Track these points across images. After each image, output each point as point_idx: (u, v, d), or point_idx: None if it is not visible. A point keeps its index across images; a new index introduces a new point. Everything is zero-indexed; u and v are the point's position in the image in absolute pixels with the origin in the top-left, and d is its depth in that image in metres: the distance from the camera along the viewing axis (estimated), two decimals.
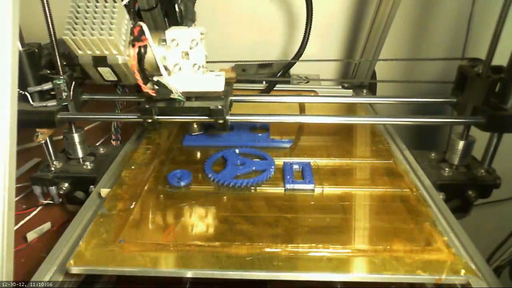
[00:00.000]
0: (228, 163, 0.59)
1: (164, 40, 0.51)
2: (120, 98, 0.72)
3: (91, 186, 0.57)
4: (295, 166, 0.59)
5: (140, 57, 0.50)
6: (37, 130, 0.56)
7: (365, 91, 0.92)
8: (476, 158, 0.62)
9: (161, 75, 0.51)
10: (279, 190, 0.55)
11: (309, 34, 0.82)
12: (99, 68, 0.51)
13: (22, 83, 0.54)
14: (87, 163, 0.60)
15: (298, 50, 0.84)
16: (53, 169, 0.59)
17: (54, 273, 0.42)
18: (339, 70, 1.10)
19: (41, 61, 0.56)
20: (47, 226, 0.60)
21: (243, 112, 0.58)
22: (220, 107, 0.52)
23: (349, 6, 1.00)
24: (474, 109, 0.56)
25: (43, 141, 0.57)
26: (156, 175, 0.58)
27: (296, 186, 0.55)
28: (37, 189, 0.59)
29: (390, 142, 0.68)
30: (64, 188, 0.57)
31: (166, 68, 0.52)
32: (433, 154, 0.64)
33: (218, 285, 0.45)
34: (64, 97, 0.55)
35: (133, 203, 0.51)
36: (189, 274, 0.41)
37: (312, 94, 0.91)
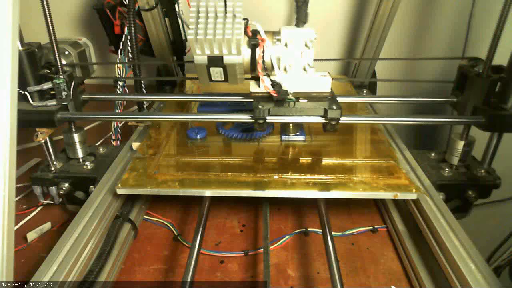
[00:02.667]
0: (235, 123, 0.68)
1: (278, 40, 0.51)
2: (120, 98, 0.72)
3: (91, 186, 0.57)
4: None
5: (259, 58, 0.50)
6: (37, 129, 0.56)
7: (365, 91, 0.92)
8: (476, 158, 0.62)
9: (270, 75, 0.51)
10: (277, 141, 0.66)
11: None
12: (211, 68, 0.51)
13: (22, 83, 0.54)
14: (87, 163, 0.60)
15: None
16: (53, 169, 0.59)
17: (54, 273, 0.42)
18: (339, 69, 1.10)
19: (40, 60, 0.56)
20: (47, 226, 0.60)
21: None
22: (335, 107, 0.52)
23: (349, 5, 1.00)
24: (474, 109, 0.56)
25: (43, 141, 0.57)
26: (177, 131, 0.69)
27: (290, 138, 0.65)
28: (37, 189, 0.59)
29: (390, 142, 0.68)
30: (64, 188, 0.57)
31: (279, 68, 0.52)
32: (433, 154, 0.64)
33: (230, 203, 0.63)
34: (64, 96, 0.55)
35: (160, 150, 0.62)
36: (208, 193, 0.53)
37: None
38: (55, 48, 0.53)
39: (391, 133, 0.71)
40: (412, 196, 0.53)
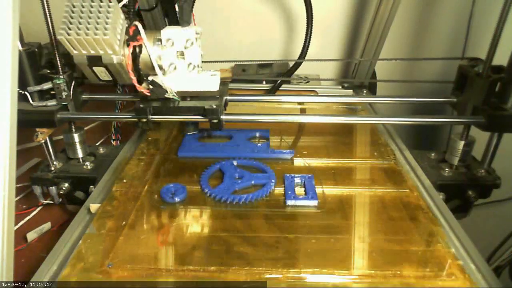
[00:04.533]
0: (225, 176, 0.56)
1: (159, 40, 0.51)
2: (120, 98, 0.72)
3: (91, 186, 0.57)
4: (297, 180, 0.56)
5: (135, 57, 0.50)
6: (37, 129, 0.56)
7: (365, 91, 0.92)
8: (476, 158, 0.62)
9: (156, 74, 0.51)
10: (280, 206, 0.51)
11: (310, 34, 0.82)
12: (94, 68, 0.51)
13: (22, 83, 0.54)
14: (87, 163, 0.60)
15: (301, 50, 0.83)
16: (53, 169, 0.59)
17: (54, 273, 0.42)
18: (339, 70, 1.10)
19: (41, 60, 0.56)
20: (47, 226, 0.60)
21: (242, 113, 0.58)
22: (214, 106, 0.52)
23: (349, 5, 1.00)
24: (474, 109, 0.56)
25: (43, 141, 0.57)
26: (149, 189, 0.55)
27: (298, 203, 0.52)
28: (37, 189, 0.59)
29: (390, 142, 0.68)
30: (64, 188, 0.57)
31: (161, 68, 0.52)
32: (433, 154, 0.64)
33: None
34: (64, 96, 0.55)
35: (122, 221, 0.48)
36: None
37: (312, 94, 0.91)
38: (55, 48, 0.53)
39: (391, 133, 0.71)
40: None
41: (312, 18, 0.81)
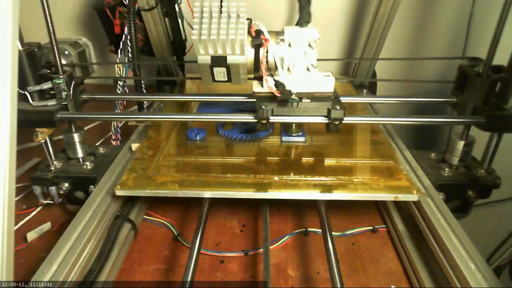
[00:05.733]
0: (235, 123, 0.68)
1: (281, 40, 0.51)
2: (120, 98, 0.72)
3: (91, 186, 0.57)
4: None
5: (266, 58, 0.50)
6: (37, 129, 0.56)
7: (365, 91, 0.92)
8: (476, 158, 0.62)
9: (273, 75, 0.51)
10: (277, 142, 0.66)
11: None
12: (214, 68, 0.51)
13: (22, 83, 0.54)
14: (87, 163, 0.60)
15: None
16: (53, 169, 0.59)
17: (54, 273, 0.42)
18: (339, 69, 1.10)
19: (40, 60, 0.56)
20: (47, 226, 0.60)
21: None
22: (338, 108, 0.52)
23: (349, 5, 1.00)
24: (474, 109, 0.56)
25: (43, 141, 0.57)
26: (177, 132, 0.69)
27: (291, 139, 0.65)
28: (37, 189, 0.59)
29: (390, 142, 0.68)
30: (64, 188, 0.57)
31: (282, 68, 0.51)
32: (433, 154, 0.64)
33: (230, 204, 0.61)
34: (63, 96, 0.55)
35: (159, 151, 0.62)
36: (207, 195, 0.53)
37: None
38: (55, 48, 0.53)
39: (391, 133, 0.71)
40: (413, 198, 0.53)
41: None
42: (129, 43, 0.70)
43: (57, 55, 0.54)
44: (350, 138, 0.69)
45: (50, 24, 0.51)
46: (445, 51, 1.02)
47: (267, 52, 0.50)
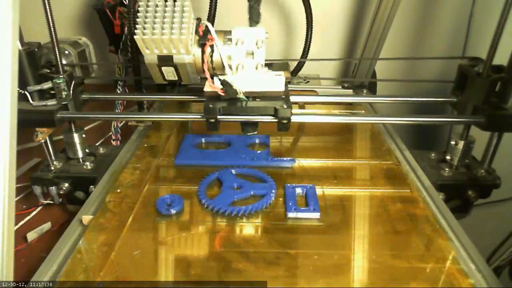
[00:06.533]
0: (223, 186, 0.54)
1: (229, 40, 0.51)
2: (120, 97, 0.72)
3: (91, 186, 0.57)
4: (298, 190, 0.54)
5: (211, 57, 0.50)
6: (37, 129, 0.56)
7: (365, 91, 0.92)
8: (476, 158, 0.62)
9: (222, 74, 0.51)
10: (281, 219, 0.49)
11: (311, 33, 0.82)
12: (162, 68, 0.51)
13: (22, 82, 0.53)
14: (87, 163, 0.60)
15: (303, 50, 0.83)
16: (53, 169, 0.59)
17: (54, 273, 0.42)
18: (339, 69, 1.10)
19: (40, 60, 0.56)
20: (47, 226, 0.60)
21: None
22: (285, 106, 0.52)
23: (350, 5, 1.00)
24: (474, 109, 0.56)
25: (43, 141, 0.57)
26: (143, 200, 0.52)
27: (300, 215, 0.49)
28: (37, 189, 0.59)
29: (390, 142, 0.68)
30: (64, 188, 0.57)
31: (230, 68, 0.52)
32: (433, 154, 0.64)
33: None
34: (64, 96, 0.55)
35: (115, 236, 0.46)
36: None
37: (312, 94, 0.91)
38: (56, 47, 0.53)
39: (391, 133, 0.71)
40: None
41: (311, 17, 0.81)
42: (129, 43, 0.70)
43: (57, 55, 0.54)
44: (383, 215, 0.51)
45: (51, 24, 0.51)
46: (445, 51, 1.02)
47: (212, 51, 0.50)
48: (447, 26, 0.99)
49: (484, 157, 0.59)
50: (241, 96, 0.51)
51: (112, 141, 0.73)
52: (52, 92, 0.55)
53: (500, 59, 0.54)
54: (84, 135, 0.61)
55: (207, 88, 0.52)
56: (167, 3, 0.47)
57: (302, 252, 0.44)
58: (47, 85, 0.54)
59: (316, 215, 0.49)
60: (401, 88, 1.07)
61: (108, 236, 0.46)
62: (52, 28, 0.51)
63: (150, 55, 0.49)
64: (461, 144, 0.58)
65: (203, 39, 0.49)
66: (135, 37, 0.47)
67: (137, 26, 0.47)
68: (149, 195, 0.54)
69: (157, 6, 0.47)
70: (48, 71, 0.56)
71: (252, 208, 0.50)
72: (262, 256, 0.43)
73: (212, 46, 0.50)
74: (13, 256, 0.33)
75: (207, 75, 0.50)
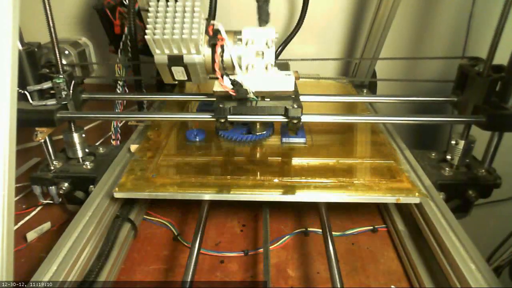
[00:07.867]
0: (235, 123, 0.65)
1: (239, 40, 0.51)
2: (120, 97, 0.72)
3: (91, 186, 0.57)
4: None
5: (222, 57, 0.50)
6: (37, 129, 0.56)
7: (365, 91, 0.92)
8: (476, 158, 0.62)
9: (232, 74, 0.51)
10: (278, 143, 0.66)
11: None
12: (172, 68, 0.51)
13: (22, 82, 0.53)
14: (87, 162, 0.60)
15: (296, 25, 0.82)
16: (52, 168, 0.59)
17: (54, 273, 0.42)
18: (339, 69, 1.10)
19: (40, 60, 0.56)
20: (47, 226, 0.60)
21: None
22: (296, 106, 0.52)
23: (350, 5, 1.00)
24: (474, 108, 0.56)
25: (43, 140, 0.57)
26: (176, 133, 0.69)
27: (291, 140, 0.65)
28: (37, 189, 0.59)
29: (391, 143, 0.68)
30: (64, 188, 0.57)
31: (240, 67, 0.51)
32: (433, 154, 0.64)
33: (230, 204, 0.62)
34: (63, 96, 0.55)
35: (158, 153, 0.62)
36: (207, 197, 0.52)
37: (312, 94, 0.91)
38: (56, 47, 0.53)
39: (391, 132, 0.71)
40: (415, 200, 0.52)
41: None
42: (129, 43, 0.70)
43: (57, 55, 0.54)
44: (350, 138, 0.69)
45: (51, 24, 0.51)
46: (445, 51, 1.02)
47: (222, 51, 0.50)
48: (447, 26, 1.00)
49: (484, 156, 0.59)
50: (251, 96, 0.52)
51: (112, 141, 0.73)
52: (52, 92, 0.55)
53: (500, 59, 0.54)
54: (83, 135, 0.61)
55: (217, 88, 0.52)
56: (177, 3, 0.47)
57: (293, 159, 0.61)
58: (47, 85, 0.54)
59: (303, 140, 0.66)
60: (401, 87, 1.07)
61: (153, 153, 0.62)
62: (52, 28, 0.51)
63: (160, 55, 0.49)
64: (461, 143, 0.58)
65: (213, 39, 0.49)
66: (146, 37, 0.47)
67: (147, 26, 0.47)
68: (178, 130, 0.70)
69: (167, 6, 0.47)
70: (48, 71, 0.56)
71: (257, 136, 0.66)
72: (264, 162, 0.60)
73: (222, 46, 0.50)
74: (13, 256, 0.33)
75: (219, 75, 0.50)
